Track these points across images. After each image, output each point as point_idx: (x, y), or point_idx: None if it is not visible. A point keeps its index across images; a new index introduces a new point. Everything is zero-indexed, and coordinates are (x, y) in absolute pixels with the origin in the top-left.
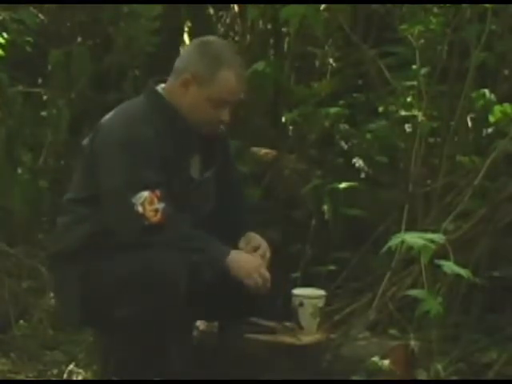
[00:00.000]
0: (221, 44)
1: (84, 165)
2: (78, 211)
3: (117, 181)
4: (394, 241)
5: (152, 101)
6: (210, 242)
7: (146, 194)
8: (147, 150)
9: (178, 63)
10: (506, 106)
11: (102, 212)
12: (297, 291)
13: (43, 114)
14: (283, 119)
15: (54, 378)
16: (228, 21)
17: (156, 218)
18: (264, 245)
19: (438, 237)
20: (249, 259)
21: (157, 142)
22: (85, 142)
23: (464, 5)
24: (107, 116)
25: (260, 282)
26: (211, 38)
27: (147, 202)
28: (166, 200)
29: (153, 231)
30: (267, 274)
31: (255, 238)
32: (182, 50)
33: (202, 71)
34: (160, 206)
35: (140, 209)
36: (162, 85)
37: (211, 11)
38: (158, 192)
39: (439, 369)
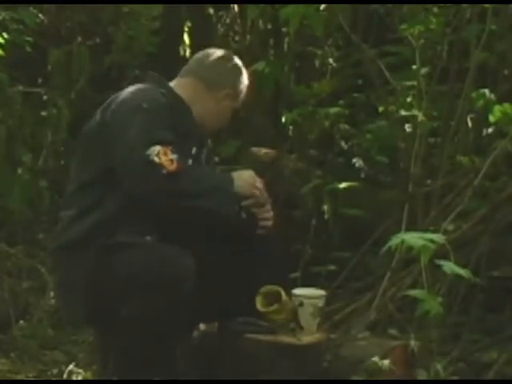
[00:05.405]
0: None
1: (87, 146)
2: (83, 203)
3: (130, 140)
4: (394, 241)
5: (165, 91)
6: (216, 176)
7: (158, 147)
8: (160, 112)
9: (204, 72)
10: (506, 105)
11: (106, 200)
12: (297, 291)
13: (43, 114)
14: (283, 119)
15: (54, 378)
16: (228, 21)
17: (173, 167)
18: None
19: (438, 237)
20: (241, 175)
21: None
22: (87, 126)
23: (464, 5)
24: (117, 94)
25: (257, 191)
26: (225, 50)
27: (161, 154)
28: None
29: (172, 179)
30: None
31: None
32: (201, 58)
33: (239, 87)
34: (174, 156)
35: (156, 159)
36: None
37: (211, 11)
38: (170, 147)
39: (439, 369)
